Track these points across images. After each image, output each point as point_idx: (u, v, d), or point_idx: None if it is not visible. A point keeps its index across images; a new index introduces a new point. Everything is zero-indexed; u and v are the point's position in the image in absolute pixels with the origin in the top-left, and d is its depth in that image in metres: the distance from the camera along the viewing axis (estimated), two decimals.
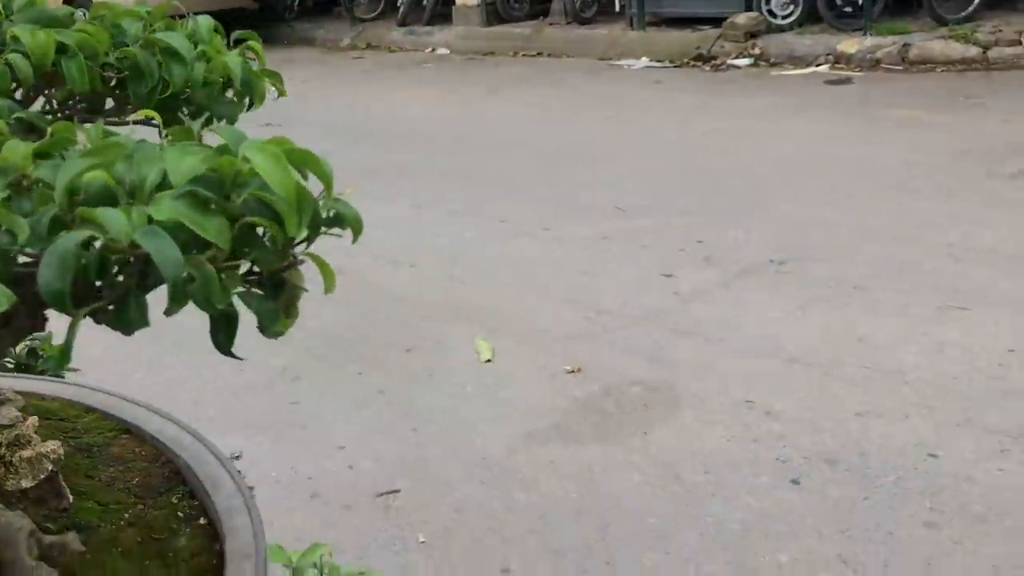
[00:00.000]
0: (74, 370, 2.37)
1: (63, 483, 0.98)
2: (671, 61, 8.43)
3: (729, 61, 8.15)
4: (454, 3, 11.09)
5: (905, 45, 7.76)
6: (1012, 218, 4.29)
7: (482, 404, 3.07)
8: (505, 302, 3.80)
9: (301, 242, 0.62)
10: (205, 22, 0.87)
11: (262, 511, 2.65)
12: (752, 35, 8.32)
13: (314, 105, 8.15)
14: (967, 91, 6.86)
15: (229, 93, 0.94)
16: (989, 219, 4.30)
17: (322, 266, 0.63)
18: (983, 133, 5.74)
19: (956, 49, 7.59)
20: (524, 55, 9.77)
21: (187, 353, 3.57)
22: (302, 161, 0.57)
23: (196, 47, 0.82)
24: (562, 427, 2.90)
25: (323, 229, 0.62)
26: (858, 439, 2.70)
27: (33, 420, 1.00)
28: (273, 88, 1.05)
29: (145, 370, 3.45)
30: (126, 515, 0.99)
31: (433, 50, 10.65)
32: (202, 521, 0.99)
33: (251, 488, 1.83)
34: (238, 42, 1.03)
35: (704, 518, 2.43)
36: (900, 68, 7.64)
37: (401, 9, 11.37)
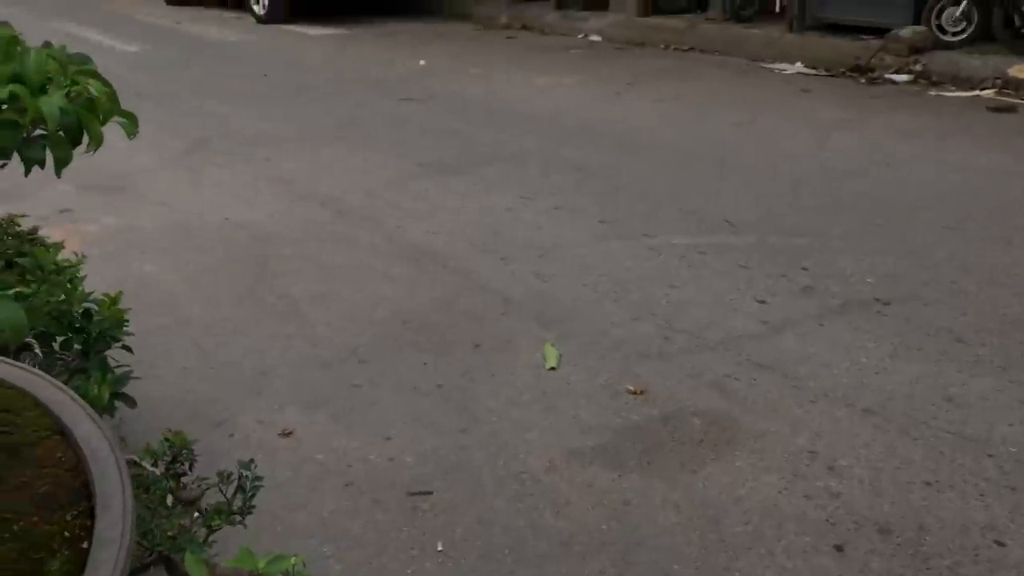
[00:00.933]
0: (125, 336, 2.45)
1: None
2: (825, 69, 8.03)
3: (887, 75, 7.69)
4: None
5: None
6: None
7: (535, 413, 3.01)
8: (584, 308, 3.72)
9: None
10: (36, 58, 0.84)
11: (297, 493, 2.69)
12: (916, 50, 7.82)
13: (455, 81, 8.22)
14: None
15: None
16: None
17: None
18: None
19: None
20: (675, 49, 9.53)
21: (267, 323, 3.67)
22: None
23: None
24: (609, 450, 2.81)
25: None
26: (920, 511, 2.50)
27: None
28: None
29: (222, 336, 3.57)
30: (15, 527, 1.00)
31: (585, 36, 10.54)
32: (85, 545, 0.99)
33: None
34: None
35: (731, 573, 2.30)
36: None
37: None
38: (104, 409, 2.26)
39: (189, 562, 1.65)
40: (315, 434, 2.93)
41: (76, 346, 2.41)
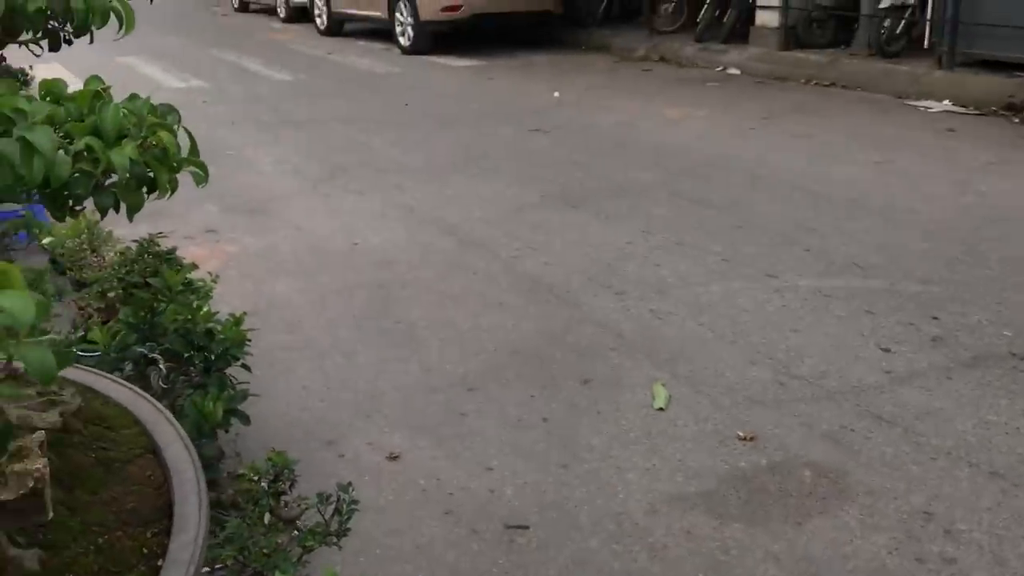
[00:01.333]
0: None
1: (47, 499, 1.07)
2: (975, 108, 7.66)
3: None
4: (754, 23, 10.78)
5: None
6: None
7: (639, 454, 2.98)
8: (698, 348, 3.66)
9: None
10: (114, 112, 0.89)
11: (397, 517, 2.74)
12: None
13: (586, 113, 8.27)
14: None
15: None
16: None
17: None
18: None
19: None
20: (816, 84, 9.29)
21: (383, 346, 3.77)
22: None
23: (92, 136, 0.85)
24: (713, 497, 2.75)
25: None
26: None
27: (39, 435, 1.10)
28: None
29: (340, 357, 3.68)
30: (100, 540, 1.07)
31: (724, 69, 10.41)
32: (159, 563, 1.05)
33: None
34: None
35: None
36: None
37: (700, 25, 11.23)
38: (218, 425, 2.37)
39: None
40: (420, 459, 2.99)
41: (198, 363, 2.54)
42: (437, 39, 12.15)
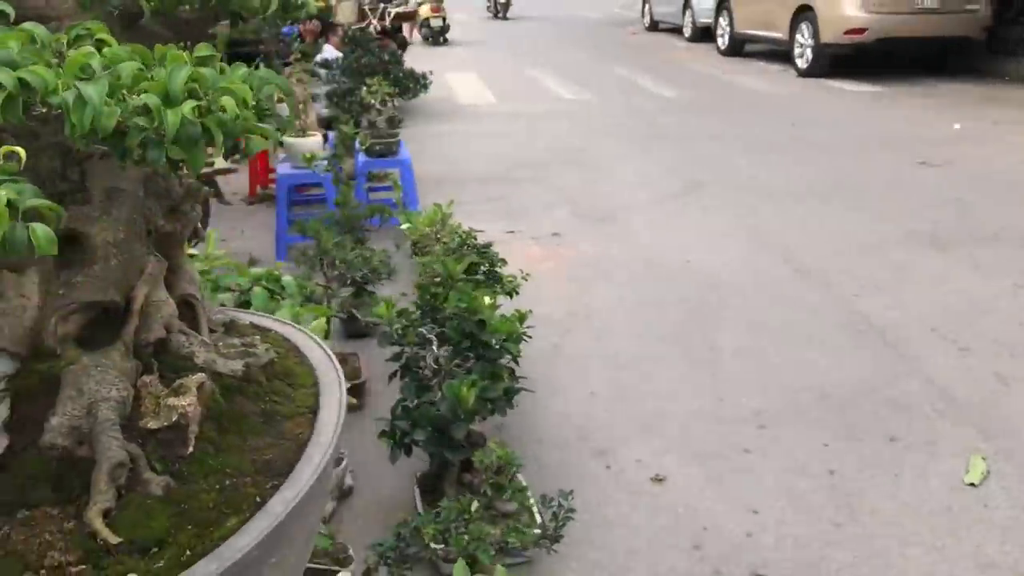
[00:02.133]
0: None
1: (190, 434, 1.18)
2: None
3: None
4: None
5: None
6: None
7: (930, 529, 2.61)
8: None
9: None
10: (183, 75, 0.93)
11: (641, 539, 2.66)
12: None
13: (986, 148, 7.41)
14: None
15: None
16: None
17: None
18: None
19: None
20: None
21: (685, 368, 3.67)
22: None
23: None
24: None
25: None
26: None
27: (199, 376, 1.21)
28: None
29: (638, 371, 3.65)
30: (227, 482, 1.15)
31: None
32: None
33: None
34: None
35: None
36: None
37: None
38: (470, 411, 2.45)
39: (457, 570, 1.73)
40: (685, 487, 2.87)
41: (468, 350, 2.66)
42: (837, 62, 11.58)
